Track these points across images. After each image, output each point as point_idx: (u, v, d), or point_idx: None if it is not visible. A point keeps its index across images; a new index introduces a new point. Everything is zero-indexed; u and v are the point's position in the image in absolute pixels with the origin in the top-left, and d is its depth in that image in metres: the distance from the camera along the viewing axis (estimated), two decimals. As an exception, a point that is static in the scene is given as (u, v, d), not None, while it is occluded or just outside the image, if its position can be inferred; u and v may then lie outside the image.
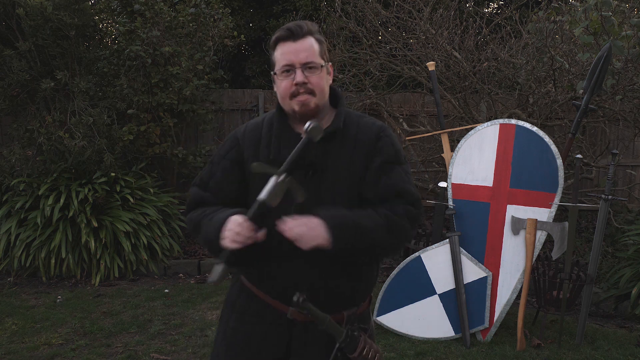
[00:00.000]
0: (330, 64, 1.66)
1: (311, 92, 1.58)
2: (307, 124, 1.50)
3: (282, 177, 1.48)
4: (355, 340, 1.59)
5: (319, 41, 1.61)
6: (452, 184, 3.93)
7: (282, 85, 1.59)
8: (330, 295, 1.59)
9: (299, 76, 1.56)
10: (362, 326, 1.65)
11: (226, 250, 1.49)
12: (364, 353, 1.60)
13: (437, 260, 3.79)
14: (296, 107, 1.59)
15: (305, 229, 1.47)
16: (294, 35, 1.58)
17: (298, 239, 1.47)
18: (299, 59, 1.56)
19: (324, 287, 1.58)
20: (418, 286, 3.76)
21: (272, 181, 1.48)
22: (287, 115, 1.66)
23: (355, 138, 1.63)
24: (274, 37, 1.62)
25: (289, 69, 1.57)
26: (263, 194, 1.48)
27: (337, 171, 1.60)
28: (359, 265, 1.63)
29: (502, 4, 8.32)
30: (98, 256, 5.02)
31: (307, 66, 1.57)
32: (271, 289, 1.63)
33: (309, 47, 1.58)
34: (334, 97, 1.70)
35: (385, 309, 3.79)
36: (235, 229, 1.47)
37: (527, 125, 3.82)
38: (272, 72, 1.65)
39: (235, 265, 1.63)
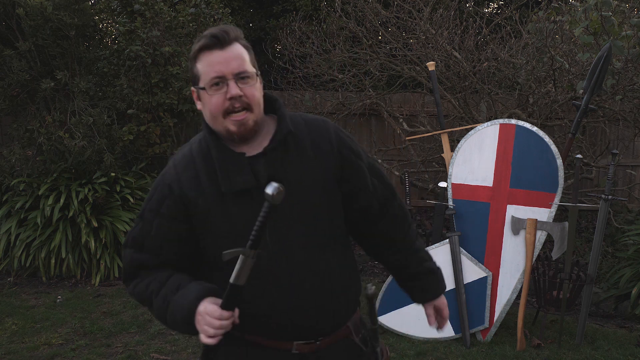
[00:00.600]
0: (259, 72, 1.44)
1: (248, 107, 1.36)
2: (268, 188, 1.25)
3: (252, 254, 1.30)
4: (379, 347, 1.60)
5: (246, 47, 1.41)
6: (452, 184, 3.92)
7: (212, 102, 1.36)
8: (333, 310, 1.48)
9: (233, 88, 1.34)
10: (373, 327, 1.58)
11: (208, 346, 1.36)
12: (388, 355, 1.64)
13: (437, 260, 3.75)
14: (232, 128, 1.37)
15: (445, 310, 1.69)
16: (221, 43, 1.35)
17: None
18: (231, 69, 1.35)
19: (324, 303, 1.45)
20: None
21: (240, 261, 1.31)
22: (220, 137, 1.41)
23: (310, 140, 1.46)
24: (196, 47, 1.38)
25: (219, 81, 1.35)
26: (234, 277, 1.31)
27: (303, 181, 1.42)
28: (352, 271, 1.56)
29: (502, 4, 8.32)
30: (98, 256, 5.02)
31: (240, 76, 1.36)
32: (268, 329, 1.44)
33: (239, 55, 1.37)
34: (269, 102, 1.48)
35: (386, 309, 3.79)
36: (214, 323, 1.31)
37: (527, 125, 3.82)
38: (194, 88, 1.41)
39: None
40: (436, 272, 1.69)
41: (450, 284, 3.77)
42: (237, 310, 1.34)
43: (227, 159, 1.39)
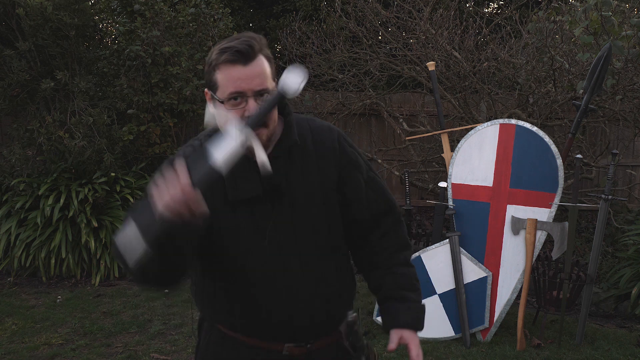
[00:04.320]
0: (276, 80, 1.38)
1: (264, 124, 1.32)
2: (284, 77, 1.21)
3: (244, 138, 1.18)
4: (370, 350, 1.60)
5: (268, 59, 1.37)
6: (452, 184, 3.92)
7: (229, 116, 1.33)
8: (327, 317, 1.49)
9: (252, 107, 1.31)
10: (366, 332, 1.60)
11: (154, 220, 1.13)
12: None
13: (437, 260, 3.79)
14: None
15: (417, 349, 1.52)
16: (245, 58, 1.31)
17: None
18: (252, 87, 1.31)
19: (319, 310, 1.46)
20: (418, 286, 3.76)
21: (231, 136, 1.17)
22: None
23: (314, 148, 1.46)
24: (219, 58, 1.32)
25: (238, 96, 1.32)
26: (218, 155, 1.16)
27: (305, 189, 1.42)
28: (347, 278, 1.56)
29: (502, 4, 8.32)
30: (98, 256, 5.02)
31: (260, 94, 1.32)
32: (261, 331, 1.45)
33: (261, 71, 1.33)
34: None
35: (385, 309, 3.79)
36: (174, 183, 1.13)
37: (527, 125, 3.82)
38: (210, 92, 1.37)
39: (173, 282, 1.36)
40: (412, 302, 1.54)
41: (450, 284, 3.77)
42: (204, 206, 1.18)
43: (235, 165, 1.31)
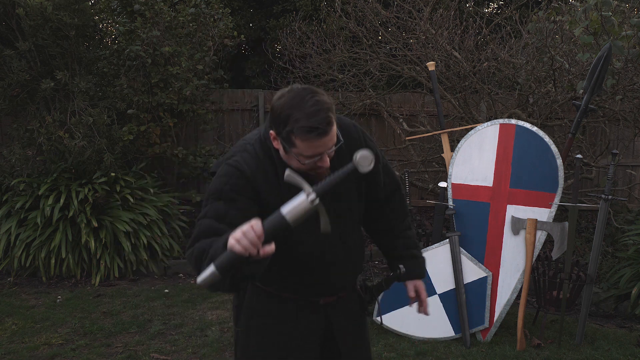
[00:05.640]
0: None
1: (327, 169, 1.63)
2: (358, 153, 1.45)
3: (313, 198, 1.41)
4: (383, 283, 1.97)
5: (335, 119, 1.59)
6: (452, 184, 3.92)
7: (303, 162, 1.58)
8: (353, 276, 1.90)
9: (326, 162, 1.59)
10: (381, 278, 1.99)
11: (228, 253, 1.39)
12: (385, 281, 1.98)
13: (437, 260, 3.79)
14: (309, 173, 1.62)
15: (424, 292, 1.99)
16: (325, 134, 1.54)
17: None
18: (327, 148, 1.57)
19: (350, 271, 1.86)
20: (418, 286, 3.76)
21: (299, 199, 1.41)
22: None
23: (347, 146, 1.71)
24: (302, 134, 1.52)
25: (317, 156, 1.57)
26: (287, 210, 1.41)
27: (346, 186, 1.74)
28: (362, 241, 1.93)
29: (502, 4, 8.32)
30: (98, 256, 5.02)
31: (330, 150, 1.59)
32: (308, 292, 1.82)
33: (334, 136, 1.58)
34: None
35: (386, 309, 3.78)
36: (243, 227, 1.39)
37: (527, 125, 3.82)
38: (283, 143, 1.58)
39: (240, 287, 1.69)
40: (419, 258, 2.00)
41: (450, 284, 3.77)
42: (271, 247, 1.42)
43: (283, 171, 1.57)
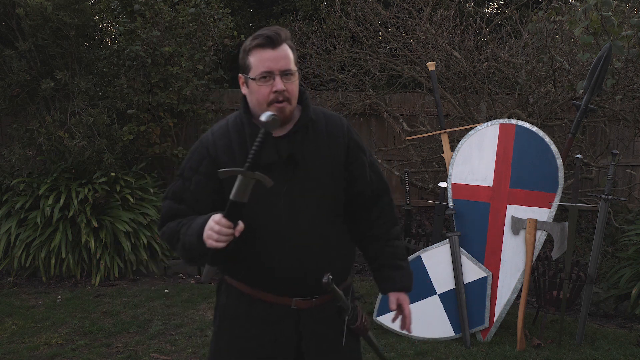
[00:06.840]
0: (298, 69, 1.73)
1: (287, 100, 1.65)
2: (263, 117, 1.49)
3: (246, 173, 1.49)
4: (355, 311, 1.82)
5: (292, 48, 1.67)
6: (452, 184, 3.93)
7: (260, 91, 1.64)
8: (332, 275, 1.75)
9: (279, 84, 1.62)
10: (356, 295, 1.81)
11: (211, 250, 1.54)
12: (364, 321, 1.84)
13: (437, 260, 3.79)
14: (270, 110, 1.63)
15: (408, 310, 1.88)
16: (273, 43, 1.62)
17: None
18: (279, 67, 1.62)
19: (323, 269, 1.69)
20: (418, 286, 3.75)
21: (238, 179, 1.51)
22: (254, 117, 1.71)
23: (326, 130, 1.75)
24: (251, 43, 1.64)
25: (267, 75, 1.62)
26: (232, 193, 1.52)
27: (317, 161, 1.71)
28: (347, 244, 1.84)
29: (502, 4, 8.32)
30: (98, 256, 5.02)
31: (285, 73, 1.63)
32: (275, 286, 1.71)
33: (286, 55, 1.64)
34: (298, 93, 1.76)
35: (385, 309, 3.78)
36: (214, 227, 1.51)
37: (527, 125, 3.82)
38: (243, 75, 1.69)
39: (223, 263, 1.75)
40: (405, 269, 1.89)
41: (450, 284, 3.77)
42: (240, 224, 1.53)
43: (256, 135, 1.59)
